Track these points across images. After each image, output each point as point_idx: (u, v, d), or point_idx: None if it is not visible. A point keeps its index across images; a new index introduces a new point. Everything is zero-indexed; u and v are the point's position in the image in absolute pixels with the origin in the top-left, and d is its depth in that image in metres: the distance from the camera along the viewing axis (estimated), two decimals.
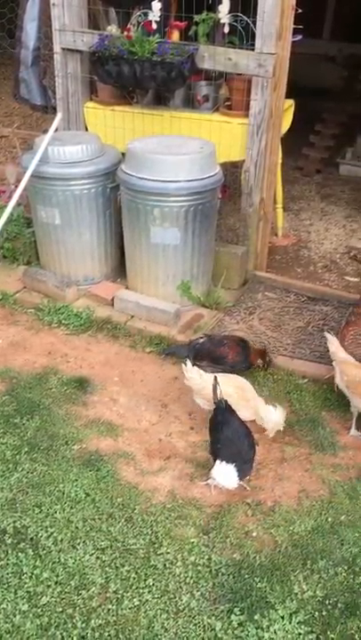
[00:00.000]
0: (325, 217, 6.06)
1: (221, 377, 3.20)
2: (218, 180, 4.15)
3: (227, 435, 2.92)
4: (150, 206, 4.01)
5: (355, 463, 3.20)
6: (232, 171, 5.08)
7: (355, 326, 3.54)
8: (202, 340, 3.71)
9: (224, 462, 2.82)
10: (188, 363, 3.30)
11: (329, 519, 2.85)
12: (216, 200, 4.24)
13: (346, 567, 2.62)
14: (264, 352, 3.73)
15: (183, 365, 3.30)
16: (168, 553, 2.67)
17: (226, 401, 3.01)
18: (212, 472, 2.87)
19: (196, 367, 3.31)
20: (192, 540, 2.73)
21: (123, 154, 4.32)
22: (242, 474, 2.86)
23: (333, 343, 3.39)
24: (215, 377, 3.07)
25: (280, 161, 4.92)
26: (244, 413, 3.17)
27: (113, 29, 4.50)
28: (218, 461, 2.85)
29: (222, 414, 3.00)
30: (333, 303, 4.53)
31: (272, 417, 3.20)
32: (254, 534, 2.78)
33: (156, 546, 2.69)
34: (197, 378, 3.27)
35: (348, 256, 5.36)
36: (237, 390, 3.25)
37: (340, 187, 6.69)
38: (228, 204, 5.35)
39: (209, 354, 3.66)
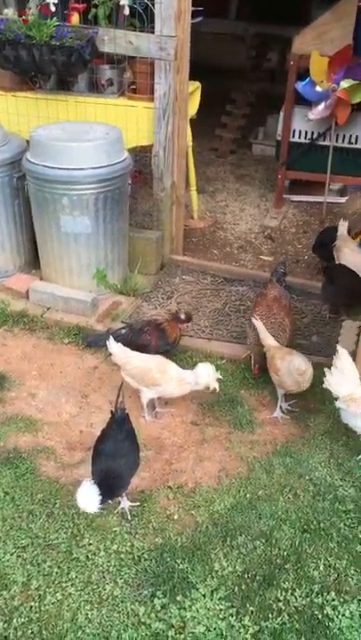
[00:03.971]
0: (240, 197, 6.14)
1: (143, 356, 3.31)
2: (127, 166, 4.12)
3: (105, 448, 2.74)
4: (58, 195, 3.94)
5: (271, 439, 3.30)
6: (144, 155, 5.06)
7: (260, 307, 3.63)
8: (123, 332, 3.69)
9: (89, 482, 2.60)
10: (112, 339, 3.31)
11: (247, 495, 2.94)
12: (127, 186, 4.21)
13: (264, 540, 2.71)
14: (176, 316, 3.69)
15: (107, 342, 3.30)
16: (90, 544, 2.67)
17: (123, 410, 2.84)
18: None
19: (120, 343, 3.33)
20: (114, 529, 2.75)
21: (28, 141, 4.20)
22: (108, 495, 2.64)
23: (260, 328, 3.46)
24: (122, 382, 3.06)
25: (190, 143, 4.94)
26: (167, 387, 3.24)
27: (9, 12, 4.35)
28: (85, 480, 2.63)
29: (115, 425, 2.83)
30: (249, 283, 4.62)
31: (202, 372, 3.22)
32: (176, 517, 2.83)
33: (78, 538, 2.69)
34: (121, 353, 3.30)
35: (263, 235, 5.46)
36: (157, 365, 3.29)
37: (253, 167, 6.78)
38: (144, 189, 5.33)
39: (131, 343, 3.64)
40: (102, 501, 2.64)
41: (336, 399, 3.11)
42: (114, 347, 3.29)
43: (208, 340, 3.99)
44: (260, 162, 6.88)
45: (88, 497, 2.57)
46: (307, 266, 5.01)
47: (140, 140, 4.45)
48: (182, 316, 3.68)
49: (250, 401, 3.57)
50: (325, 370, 3.17)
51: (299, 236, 5.46)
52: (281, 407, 3.48)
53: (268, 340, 3.45)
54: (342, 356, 3.13)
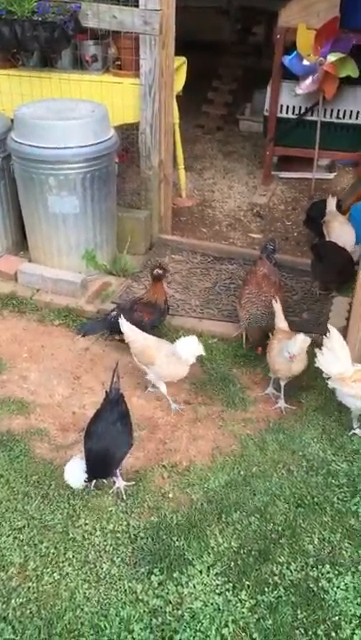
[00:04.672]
0: (228, 175, 6.10)
1: (145, 334, 3.33)
2: (113, 145, 4.06)
3: (97, 428, 2.75)
4: (45, 175, 3.88)
5: (264, 416, 3.32)
6: (131, 133, 4.99)
7: (250, 285, 3.62)
8: (114, 314, 3.67)
9: (76, 458, 2.72)
10: (122, 318, 3.31)
11: (241, 472, 2.96)
12: (113, 165, 4.16)
13: (258, 516, 2.74)
14: (154, 275, 3.70)
15: (120, 321, 3.30)
16: (87, 524, 2.69)
17: (118, 390, 2.83)
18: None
19: (128, 322, 3.32)
20: (110, 509, 2.76)
21: (12, 120, 4.12)
22: (97, 473, 2.74)
23: (277, 311, 3.45)
24: (117, 363, 3.00)
25: (177, 120, 4.88)
26: (161, 367, 3.23)
27: None
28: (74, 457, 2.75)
29: (109, 405, 2.81)
30: (239, 261, 4.60)
31: (187, 346, 3.20)
32: (171, 495, 2.84)
33: (74, 519, 2.70)
34: (129, 331, 3.30)
35: (252, 213, 5.43)
36: (156, 343, 3.30)
37: (240, 143, 6.72)
38: (131, 167, 5.27)
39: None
40: (91, 479, 2.69)
41: (328, 378, 3.12)
42: (123, 325, 3.28)
43: (199, 320, 3.98)
44: (247, 138, 6.82)
45: (74, 472, 2.67)
46: (296, 243, 4.99)
47: (126, 117, 4.38)
48: (160, 272, 3.67)
49: (242, 379, 3.58)
50: (316, 350, 3.14)
51: (288, 213, 5.44)
52: (274, 389, 3.46)
53: (281, 323, 3.44)
54: (334, 336, 3.09)
